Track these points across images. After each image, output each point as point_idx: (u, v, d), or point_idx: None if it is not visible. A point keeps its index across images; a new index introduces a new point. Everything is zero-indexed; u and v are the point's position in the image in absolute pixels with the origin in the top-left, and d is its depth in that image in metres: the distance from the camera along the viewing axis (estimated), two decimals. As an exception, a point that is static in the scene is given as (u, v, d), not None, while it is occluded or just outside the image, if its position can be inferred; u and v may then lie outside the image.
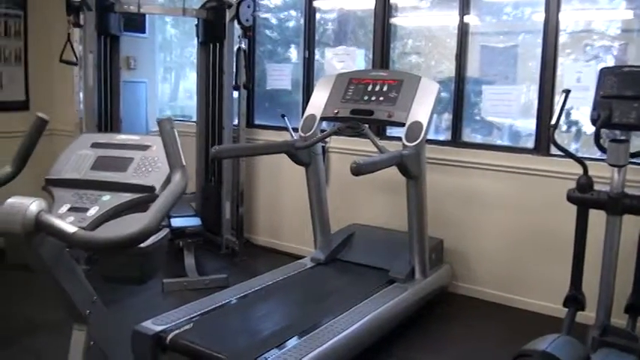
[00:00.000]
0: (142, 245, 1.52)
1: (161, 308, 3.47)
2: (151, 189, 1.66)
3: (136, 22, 5.59)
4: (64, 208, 1.68)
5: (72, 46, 4.60)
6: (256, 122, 5.65)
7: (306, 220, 4.44)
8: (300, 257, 4.57)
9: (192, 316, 3.22)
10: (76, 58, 4.68)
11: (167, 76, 7.41)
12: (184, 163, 1.62)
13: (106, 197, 1.69)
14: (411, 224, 3.91)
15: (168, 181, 1.62)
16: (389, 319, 3.54)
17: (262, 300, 3.64)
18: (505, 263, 4.32)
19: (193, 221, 4.85)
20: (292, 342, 3.02)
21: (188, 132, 5.55)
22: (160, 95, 6.74)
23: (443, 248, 4.41)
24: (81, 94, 4.92)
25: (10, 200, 1.45)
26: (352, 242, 4.45)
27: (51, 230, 1.41)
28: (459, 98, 4.50)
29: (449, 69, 4.65)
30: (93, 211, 1.63)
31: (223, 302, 3.51)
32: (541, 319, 4.03)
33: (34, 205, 1.43)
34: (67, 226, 1.40)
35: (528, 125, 4.39)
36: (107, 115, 5.29)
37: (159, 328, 3.00)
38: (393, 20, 4.84)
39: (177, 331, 2.99)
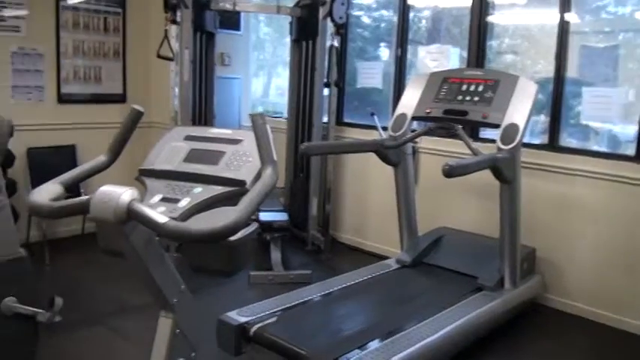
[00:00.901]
0: (231, 238, 1.52)
1: (246, 300, 3.53)
2: (242, 183, 1.66)
3: (232, 20, 5.72)
4: (156, 198, 1.71)
5: (169, 43, 4.75)
6: (345, 120, 5.63)
7: (392, 220, 4.37)
8: (385, 258, 4.51)
9: (276, 310, 3.24)
10: (173, 53, 4.84)
11: (260, 73, 7.53)
12: (276, 159, 1.61)
13: (198, 189, 1.70)
14: (503, 231, 3.75)
15: (259, 175, 1.61)
16: (475, 329, 3.40)
17: (345, 299, 3.61)
18: (600, 277, 4.06)
19: (281, 216, 4.89)
20: (374, 344, 2.97)
21: (278, 128, 5.60)
22: (253, 92, 6.86)
23: (535, 257, 4.21)
24: (176, 89, 5.08)
25: (103, 188, 1.49)
26: (440, 246, 4.33)
27: (142, 219, 1.43)
28: (557, 100, 4.28)
29: (546, 69, 4.43)
30: (184, 203, 1.65)
31: (307, 298, 3.51)
32: (635, 340, 3.78)
33: (126, 194, 1.46)
34: (159, 215, 1.42)
35: (629, 131, 4.11)
36: (201, 109, 5.43)
37: (243, 320, 3.03)
38: (489, 18, 4.67)
39: (261, 324, 3.01)
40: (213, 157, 1.81)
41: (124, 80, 5.96)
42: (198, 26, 5.12)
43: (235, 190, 1.67)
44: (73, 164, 5.36)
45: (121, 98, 5.94)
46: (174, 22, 4.77)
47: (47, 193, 1.65)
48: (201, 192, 1.69)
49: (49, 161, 5.31)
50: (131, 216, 1.45)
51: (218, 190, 1.68)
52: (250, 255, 1.72)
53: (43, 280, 4.24)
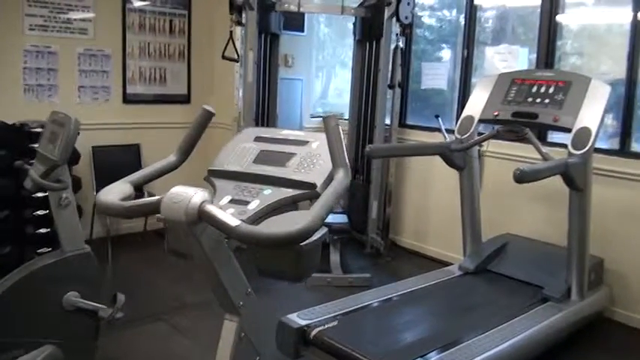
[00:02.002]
0: (301, 243, 1.49)
1: (304, 302, 3.50)
2: (312, 186, 1.62)
3: (296, 21, 5.72)
4: (225, 200, 1.68)
5: (234, 44, 4.79)
6: (408, 122, 5.54)
7: (455, 225, 4.27)
8: (446, 264, 4.41)
9: (336, 313, 3.19)
10: (237, 55, 4.87)
11: (319, 74, 7.51)
12: (348, 162, 1.56)
13: (268, 191, 1.67)
14: (571, 239, 3.60)
15: (329, 178, 1.57)
16: (539, 342, 3.26)
17: (406, 305, 3.53)
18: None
19: (340, 218, 4.85)
20: (435, 354, 2.89)
21: (339, 129, 5.56)
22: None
23: (602, 268, 4.03)
24: (240, 90, 5.11)
25: (175, 189, 1.47)
26: (504, 253, 4.19)
27: (214, 221, 1.41)
28: (629, 102, 4.08)
29: (613, 70, 4.24)
30: (254, 205, 1.62)
31: (367, 303, 3.45)
32: None
33: (198, 196, 1.44)
34: (230, 218, 1.39)
35: None
36: (264, 110, 5.46)
37: (303, 323, 3.00)
38: (559, 17, 4.49)
39: (321, 328, 2.97)
40: (283, 159, 1.77)
41: (189, 81, 6.05)
42: (263, 28, 5.15)
43: (305, 192, 1.63)
44: (137, 163, 5.48)
45: (185, 99, 6.03)
46: (239, 23, 4.81)
47: (117, 192, 1.65)
48: (270, 194, 1.66)
49: (113, 160, 5.43)
50: (202, 218, 1.43)
51: (288, 192, 1.64)
52: (319, 260, 1.67)
53: (105, 276, 4.33)
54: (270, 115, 5.50)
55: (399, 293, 3.64)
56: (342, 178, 1.51)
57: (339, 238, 4.70)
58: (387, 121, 5.21)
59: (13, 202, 4.49)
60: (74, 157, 4.99)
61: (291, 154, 1.78)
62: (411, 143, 5.28)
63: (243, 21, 4.81)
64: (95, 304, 2.90)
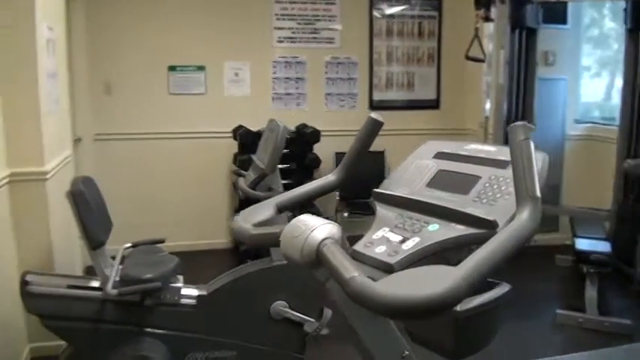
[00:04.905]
0: (459, 307, 1.04)
1: (549, 344, 2.92)
2: (492, 225, 1.14)
3: (557, 12, 4.97)
4: (380, 233, 1.29)
5: (479, 42, 4.32)
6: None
7: None
8: None
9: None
10: (484, 54, 4.36)
11: (602, 73, 6.51)
12: (539, 194, 1.06)
13: (433, 227, 1.24)
14: None
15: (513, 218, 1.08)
16: None
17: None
18: None
19: (602, 246, 4.03)
20: None
21: (608, 138, 4.69)
22: (592, 95, 5.93)
23: None
24: (488, 93, 4.60)
25: (299, 218, 1.15)
26: None
27: (328, 267, 1.05)
28: None
29: None
30: (410, 244, 1.21)
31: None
32: None
33: (320, 230, 1.10)
34: (348, 265, 1.02)
35: None
36: (517, 115, 4.85)
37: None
38: None
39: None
40: (464, 184, 1.32)
41: (438, 85, 5.71)
42: (517, 22, 4.53)
43: (480, 234, 1.15)
44: (381, 170, 5.32)
45: (434, 104, 5.72)
46: (487, 19, 4.31)
47: (255, 214, 1.39)
48: (436, 231, 1.23)
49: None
50: (320, 260, 1.08)
51: (459, 230, 1.19)
52: (493, 332, 1.18)
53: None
54: (525, 120, 4.84)
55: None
56: (525, 220, 1.03)
57: (598, 271, 3.88)
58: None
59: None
60: (315, 163, 5.04)
61: (475, 178, 1.32)
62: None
63: (492, 16, 4.28)
64: (302, 316, 2.78)
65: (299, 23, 5.25)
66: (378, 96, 5.57)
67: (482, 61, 4.42)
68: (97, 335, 2.54)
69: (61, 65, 3.68)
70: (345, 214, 5.07)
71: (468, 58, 4.36)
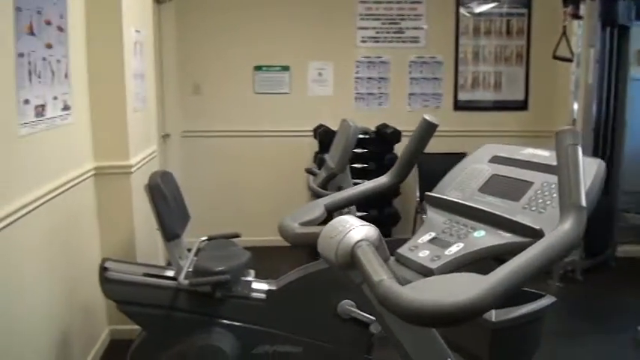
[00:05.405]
0: (494, 318, 1.01)
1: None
2: (538, 234, 1.10)
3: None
4: (426, 237, 1.28)
5: (567, 41, 4.12)
6: None
7: None
8: None
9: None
10: (572, 53, 4.17)
11: None
12: (583, 203, 1.02)
13: (479, 233, 1.21)
14: None
15: (561, 226, 1.04)
16: None
17: None
18: None
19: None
20: None
21: None
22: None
23: None
24: (576, 94, 4.39)
25: (338, 219, 1.16)
26: None
27: (360, 268, 1.05)
28: None
29: None
30: (454, 249, 1.19)
31: None
32: None
33: (357, 231, 1.10)
34: (378, 268, 1.01)
35: None
36: (607, 117, 4.61)
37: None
38: None
39: None
40: (516, 190, 1.28)
41: (527, 86, 5.50)
42: (608, 19, 4.31)
43: (525, 242, 1.11)
44: (461, 173, 5.20)
45: (521, 105, 5.52)
46: (575, 16, 4.12)
47: (304, 214, 1.41)
48: (481, 238, 1.20)
49: (438, 168, 5.20)
50: (354, 261, 1.08)
51: (504, 238, 1.16)
52: (535, 344, 1.13)
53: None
54: (616, 122, 4.62)
55: None
56: (566, 231, 0.99)
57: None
58: None
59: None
60: (394, 164, 5.00)
61: (528, 184, 1.28)
62: None
63: (581, 13, 4.09)
64: (369, 316, 2.78)
65: (383, 23, 5.24)
66: (463, 96, 5.44)
67: (570, 60, 4.23)
68: (169, 322, 2.64)
69: (149, 66, 3.87)
70: (425, 216, 4.99)
71: (555, 57, 4.19)
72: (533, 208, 1.21)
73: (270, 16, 5.22)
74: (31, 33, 2.39)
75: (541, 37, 5.35)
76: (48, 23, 2.56)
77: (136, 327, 2.75)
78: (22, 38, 2.30)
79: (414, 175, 5.21)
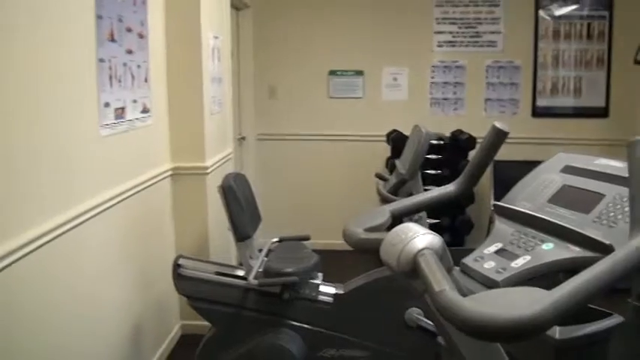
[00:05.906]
0: (558, 336, 0.99)
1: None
2: (606, 249, 1.07)
3: None
4: (493, 248, 1.27)
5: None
6: None
7: None
8: None
9: None
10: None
11: None
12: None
13: (548, 246, 1.18)
14: None
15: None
16: None
17: None
18: None
19: None
20: None
21: None
22: None
23: None
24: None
25: (403, 225, 1.15)
26: None
27: (422, 277, 1.04)
28: None
29: None
30: (520, 262, 1.17)
31: None
32: None
33: (420, 240, 1.09)
34: (440, 278, 1.00)
35: None
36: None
37: None
38: None
39: None
40: (587, 201, 1.25)
41: (607, 92, 5.27)
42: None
43: (594, 258, 1.08)
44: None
45: (602, 112, 5.29)
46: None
47: (369, 219, 1.42)
48: (550, 251, 1.17)
49: (514, 175, 5.07)
50: (416, 270, 1.08)
51: (572, 252, 1.13)
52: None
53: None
54: None
55: None
56: (635, 248, 0.95)
57: None
58: None
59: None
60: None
61: (599, 196, 1.24)
62: None
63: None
64: (436, 325, 2.74)
65: (460, 27, 5.17)
66: (542, 102, 5.28)
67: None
68: (237, 320, 2.71)
69: (226, 71, 3.99)
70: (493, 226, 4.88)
71: (637, 62, 4.00)
72: (604, 222, 1.17)
73: (344, 22, 5.25)
74: (112, 40, 2.51)
75: (623, 40, 5.12)
76: (129, 30, 2.69)
77: (206, 323, 2.83)
78: (104, 44, 2.43)
79: (488, 183, 5.10)
